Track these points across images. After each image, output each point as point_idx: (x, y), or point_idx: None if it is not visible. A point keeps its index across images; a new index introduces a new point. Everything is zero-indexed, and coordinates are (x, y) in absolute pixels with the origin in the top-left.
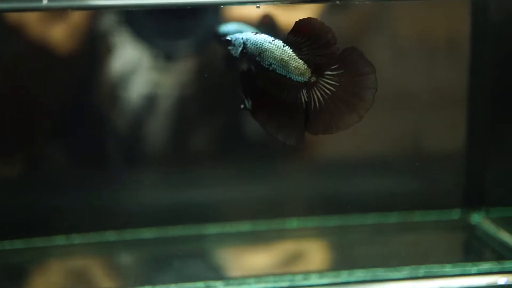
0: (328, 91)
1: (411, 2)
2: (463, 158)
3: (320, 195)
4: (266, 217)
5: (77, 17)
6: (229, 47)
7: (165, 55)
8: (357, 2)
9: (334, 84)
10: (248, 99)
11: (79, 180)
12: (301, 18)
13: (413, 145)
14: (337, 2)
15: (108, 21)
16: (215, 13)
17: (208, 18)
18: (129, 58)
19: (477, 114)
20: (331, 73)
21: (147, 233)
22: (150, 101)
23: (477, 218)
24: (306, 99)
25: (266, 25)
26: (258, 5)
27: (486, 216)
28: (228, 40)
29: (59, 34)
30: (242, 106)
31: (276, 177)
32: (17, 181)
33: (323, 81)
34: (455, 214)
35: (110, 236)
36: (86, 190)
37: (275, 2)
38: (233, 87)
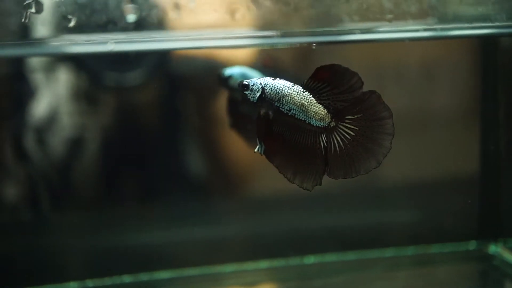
0: (347, 136)
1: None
2: (477, 187)
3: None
4: (213, 261)
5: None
6: (246, 92)
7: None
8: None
9: (353, 129)
10: (262, 144)
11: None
12: (322, 65)
13: (426, 175)
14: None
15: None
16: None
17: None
18: (54, 101)
19: (490, 140)
20: (351, 117)
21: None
22: (80, 143)
23: (495, 248)
24: (326, 144)
25: (269, 67)
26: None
27: (504, 246)
28: (245, 84)
29: None
30: (255, 150)
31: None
32: None
33: (342, 125)
34: (471, 245)
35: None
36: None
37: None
38: (172, 127)
